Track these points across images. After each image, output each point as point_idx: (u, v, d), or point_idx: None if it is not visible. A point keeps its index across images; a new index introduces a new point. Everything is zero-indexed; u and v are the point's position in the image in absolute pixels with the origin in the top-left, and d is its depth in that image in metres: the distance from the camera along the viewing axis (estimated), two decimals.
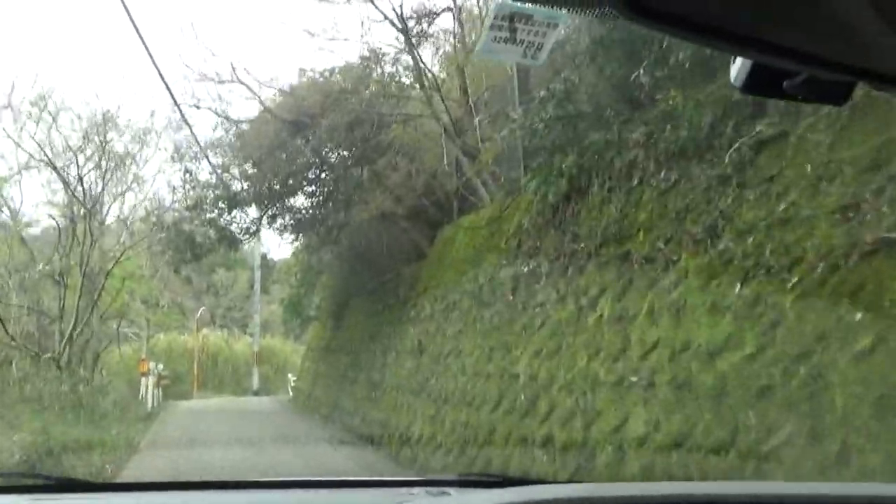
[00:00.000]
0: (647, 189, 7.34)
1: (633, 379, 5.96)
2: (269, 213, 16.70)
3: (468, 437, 8.48)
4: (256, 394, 28.38)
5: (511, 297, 9.31)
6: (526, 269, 9.20)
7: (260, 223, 17.24)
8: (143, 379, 20.00)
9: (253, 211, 17.22)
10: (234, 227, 16.83)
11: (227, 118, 16.46)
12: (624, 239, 7.34)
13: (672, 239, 6.48)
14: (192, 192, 16.61)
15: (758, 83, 0.94)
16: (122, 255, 18.48)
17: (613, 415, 6.01)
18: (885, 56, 0.81)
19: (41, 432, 9.08)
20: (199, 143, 15.61)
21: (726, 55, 0.94)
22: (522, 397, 7.74)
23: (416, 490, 2.12)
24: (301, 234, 17.33)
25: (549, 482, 2.47)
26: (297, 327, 34.70)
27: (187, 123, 16.32)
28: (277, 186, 15.78)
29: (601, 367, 6.54)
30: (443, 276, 12.65)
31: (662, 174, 7.14)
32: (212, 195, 16.42)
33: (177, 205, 16.82)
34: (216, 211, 16.55)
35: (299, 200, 16.64)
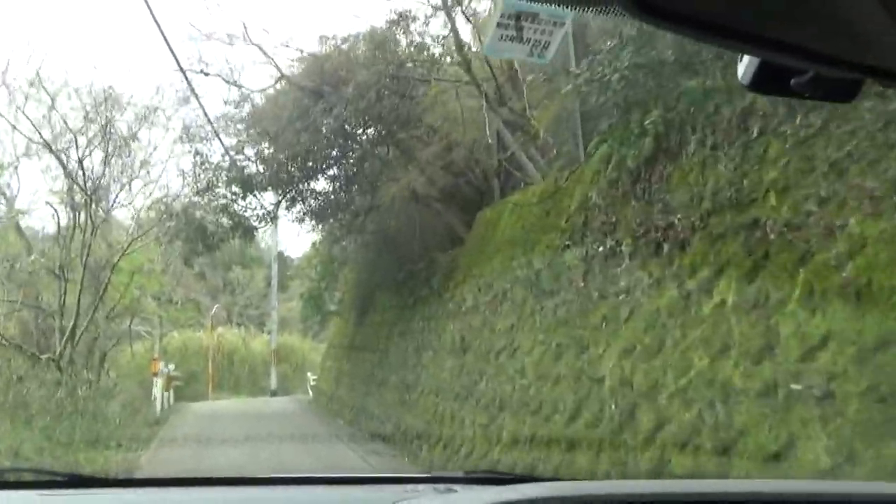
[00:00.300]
0: (774, 140, 5.70)
1: (796, 387, 4.33)
2: (287, 197, 15.16)
3: (539, 455, 6.87)
4: (274, 394, 26.93)
5: (582, 284, 7.69)
6: (600, 250, 7.58)
7: (277, 209, 15.73)
8: (155, 380, 18.56)
9: (269, 196, 15.73)
10: (248, 214, 15.33)
11: (238, 86, 14.91)
12: (746, 204, 5.70)
13: (830, 199, 4.84)
14: (202, 176, 15.09)
15: (765, 81, 0.95)
16: (128, 246, 17.00)
17: (767, 435, 4.39)
18: (893, 53, 0.81)
19: (9, 452, 7.58)
20: (208, 117, 14.10)
21: None
22: (613, 407, 6.13)
23: (422, 487, 2.07)
24: (322, 222, 15.77)
25: (560, 479, 2.32)
26: (316, 324, 33.29)
27: (194, 93, 14.79)
28: (296, 168, 14.25)
29: (734, 371, 4.91)
30: (486, 263, 11.06)
31: (799, 119, 5.50)
32: (224, 178, 14.92)
33: (187, 190, 15.29)
34: (229, 196, 15.06)
35: (320, 184, 15.12)
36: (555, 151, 11.17)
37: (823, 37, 0.77)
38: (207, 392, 25.65)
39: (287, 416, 19.13)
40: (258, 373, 29.64)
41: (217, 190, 14.90)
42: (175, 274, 26.57)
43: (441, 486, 2.03)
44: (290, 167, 14.27)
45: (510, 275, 9.78)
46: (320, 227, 16.02)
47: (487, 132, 12.02)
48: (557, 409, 6.96)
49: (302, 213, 15.40)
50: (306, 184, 14.79)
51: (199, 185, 15.07)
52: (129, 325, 21.90)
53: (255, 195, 15.12)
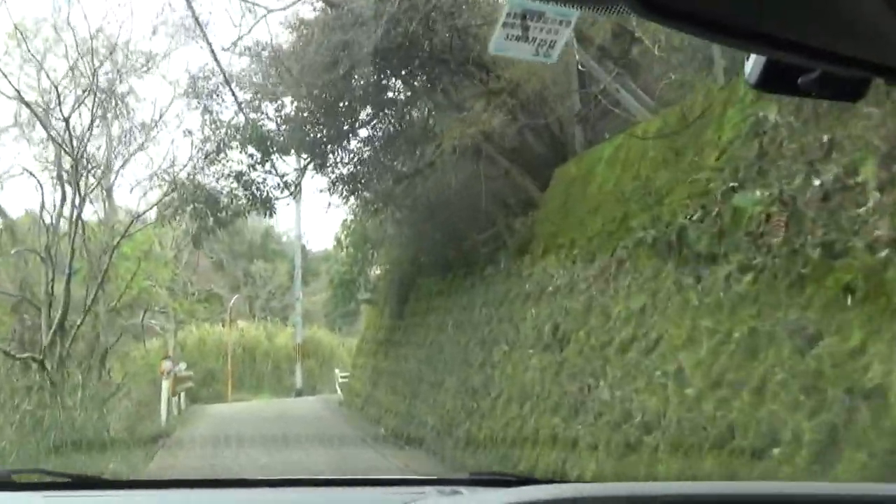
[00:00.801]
0: None
1: None
2: (314, 162, 12.53)
3: None
4: (300, 393, 24.44)
5: (779, 237, 4.94)
6: (816, 183, 4.82)
7: (301, 177, 13.13)
8: (164, 382, 16.09)
9: (292, 161, 13.13)
10: (268, 183, 12.73)
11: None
12: None
13: None
14: (212, 137, 12.52)
15: (772, 80, 0.94)
16: (130, 224, 14.51)
17: None
18: None
19: None
20: (215, 56, 11.43)
21: None
22: None
23: (427, 489, 2.09)
24: (355, 191, 13.09)
25: (565, 481, 2.21)
26: (343, 317, 30.78)
27: (198, 23, 12.12)
28: (324, 123, 11.64)
29: None
30: (579, 229, 8.36)
31: None
32: (238, 138, 12.34)
33: (195, 153, 12.72)
34: (244, 161, 12.48)
35: (353, 143, 12.46)
36: (671, 77, 8.42)
37: (830, 35, 0.77)
38: (226, 393, 23.20)
39: (317, 420, 16.57)
40: (282, 370, 27.18)
41: (230, 153, 12.32)
42: (190, 263, 24.23)
43: (446, 489, 2.02)
44: (317, 121, 11.66)
45: (626, 239, 7.07)
46: (353, 197, 13.35)
47: (569, 66, 9.28)
48: (778, 438, 4.21)
49: (331, 183, 12.74)
50: (337, 143, 12.13)
51: (208, 147, 12.49)
52: (142, 320, 19.48)
53: (275, 159, 12.53)
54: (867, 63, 0.83)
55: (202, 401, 19.91)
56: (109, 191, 16.56)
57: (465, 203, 11.58)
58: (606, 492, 1.63)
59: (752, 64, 0.94)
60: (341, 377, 26.85)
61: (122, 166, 15.51)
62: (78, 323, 13.19)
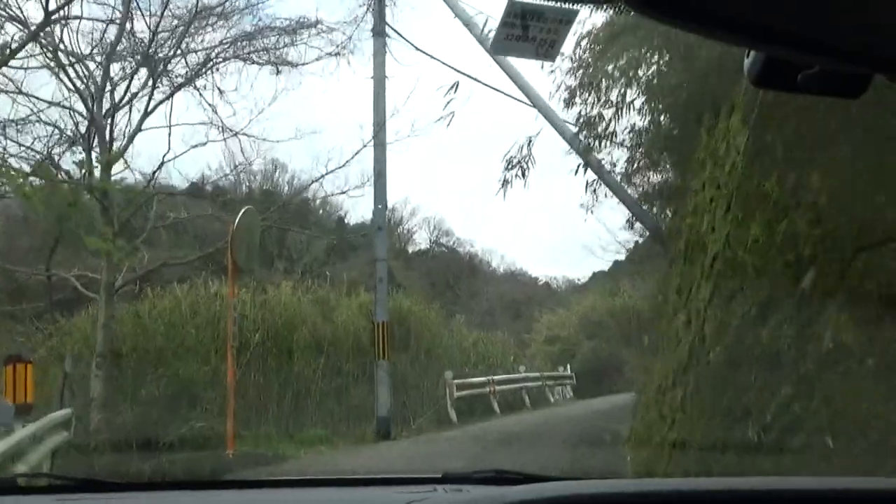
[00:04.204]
0: None
1: None
2: None
3: None
4: (386, 430, 12.10)
5: None
6: None
7: None
8: None
9: None
10: None
11: None
12: None
13: None
14: None
15: (771, 77, 0.94)
16: None
17: None
18: None
19: None
20: None
21: None
22: None
23: (432, 487, 2.05)
24: None
25: (570, 479, 1.92)
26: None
27: None
28: None
29: None
30: None
31: None
32: None
33: None
34: None
35: None
36: None
37: (831, 30, 0.76)
38: (226, 435, 10.64)
39: None
40: (344, 373, 14.83)
41: None
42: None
43: (451, 487, 2.03)
44: None
45: None
46: None
47: None
48: None
49: None
50: None
51: None
52: None
53: None
54: (868, 58, 0.81)
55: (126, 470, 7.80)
56: None
57: None
58: (612, 489, 1.57)
59: (752, 60, 0.93)
60: (458, 388, 14.82)
61: None
62: None
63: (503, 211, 65.93)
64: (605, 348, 26.51)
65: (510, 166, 12.03)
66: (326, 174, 12.86)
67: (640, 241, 35.62)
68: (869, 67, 0.86)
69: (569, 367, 23.43)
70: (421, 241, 47.83)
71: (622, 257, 49.48)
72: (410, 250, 45.14)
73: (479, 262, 54.19)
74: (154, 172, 12.66)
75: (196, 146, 13.13)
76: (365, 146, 12.78)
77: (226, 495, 2.19)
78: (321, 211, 48.43)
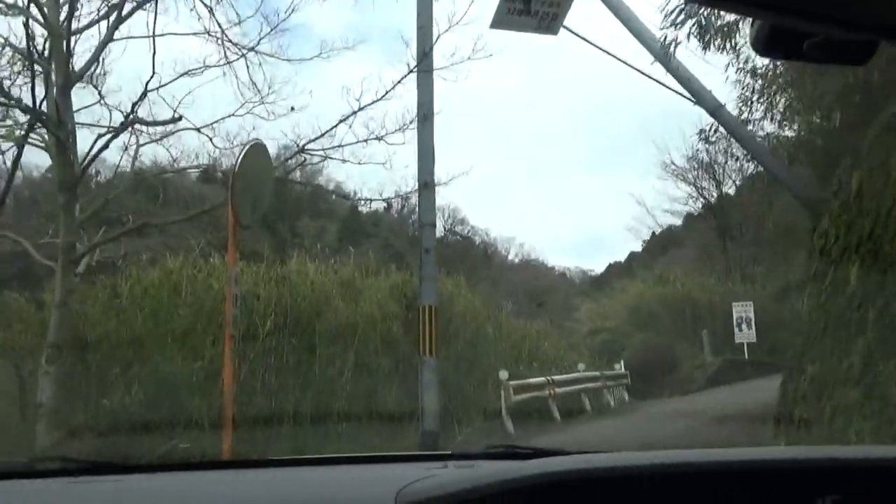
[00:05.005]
0: None
1: None
2: None
3: None
4: (433, 453, 8.78)
5: None
6: None
7: None
8: None
9: None
10: None
11: None
12: None
13: None
14: None
15: (777, 46, 0.93)
16: None
17: None
18: None
19: None
20: None
21: None
22: None
23: (441, 463, 2.03)
24: None
25: (579, 453, 1.90)
26: None
27: None
28: None
29: None
30: None
31: None
32: None
33: None
34: None
35: None
36: None
37: None
38: (222, 443, 7.55)
39: None
40: (374, 372, 11.66)
41: None
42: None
43: (462, 463, 2.04)
44: None
45: None
46: None
47: None
48: None
49: None
50: None
51: None
52: None
53: None
54: (872, 26, 0.81)
55: None
56: None
57: None
58: (620, 461, 1.57)
59: (757, 30, 0.92)
60: (515, 391, 11.98)
61: None
62: None
63: (521, 200, 63.03)
64: (658, 341, 23.32)
65: None
66: (360, 109, 9.58)
67: (676, 225, 32.30)
68: (873, 34, 0.85)
69: (622, 363, 20.21)
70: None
71: (638, 248, 47.62)
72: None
73: (495, 251, 52.36)
74: (134, 106, 9.46)
75: (191, 72, 9.93)
76: (411, 71, 9.51)
77: (240, 475, 2.15)
78: (334, 197, 46.84)
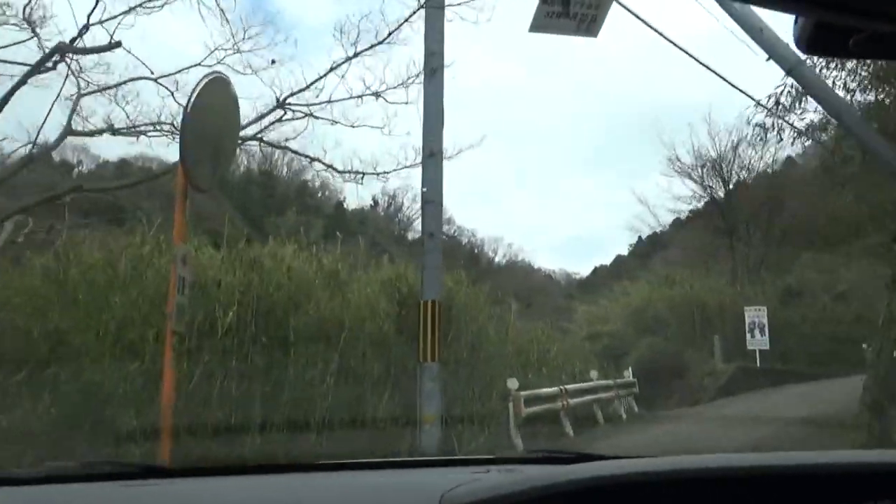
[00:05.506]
0: None
1: None
2: None
3: None
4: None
5: None
6: None
7: None
8: None
9: None
10: None
11: None
12: None
13: None
14: None
15: (821, 43, 0.91)
16: None
17: None
18: None
19: None
20: None
21: None
22: None
23: (484, 468, 2.03)
24: None
25: (621, 457, 1.78)
26: None
27: None
28: None
29: None
30: None
31: None
32: None
33: None
34: None
35: None
36: None
37: None
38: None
39: None
40: (362, 379, 9.76)
41: None
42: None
43: (504, 468, 2.03)
44: None
45: None
46: None
47: None
48: None
49: None
50: None
51: None
52: None
53: None
54: None
55: None
56: None
57: None
58: (664, 466, 1.52)
59: (801, 27, 0.89)
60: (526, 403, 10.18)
61: None
62: None
63: (509, 199, 61.49)
64: (665, 346, 21.59)
65: None
66: (356, 55, 7.62)
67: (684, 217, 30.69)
68: None
69: (630, 371, 18.43)
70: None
71: (625, 252, 46.77)
72: (410, 237, 43.19)
73: (482, 252, 51.40)
74: (73, 42, 7.46)
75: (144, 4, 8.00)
76: (421, 7, 7.61)
77: (288, 479, 2.12)
78: (320, 194, 45.73)
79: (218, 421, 7.29)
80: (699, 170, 27.28)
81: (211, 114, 6.18)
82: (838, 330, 23.72)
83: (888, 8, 0.77)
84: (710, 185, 27.44)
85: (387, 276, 12.02)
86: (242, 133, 8.24)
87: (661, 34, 8.92)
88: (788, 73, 7.64)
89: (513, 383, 10.64)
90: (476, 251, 50.38)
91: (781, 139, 10.67)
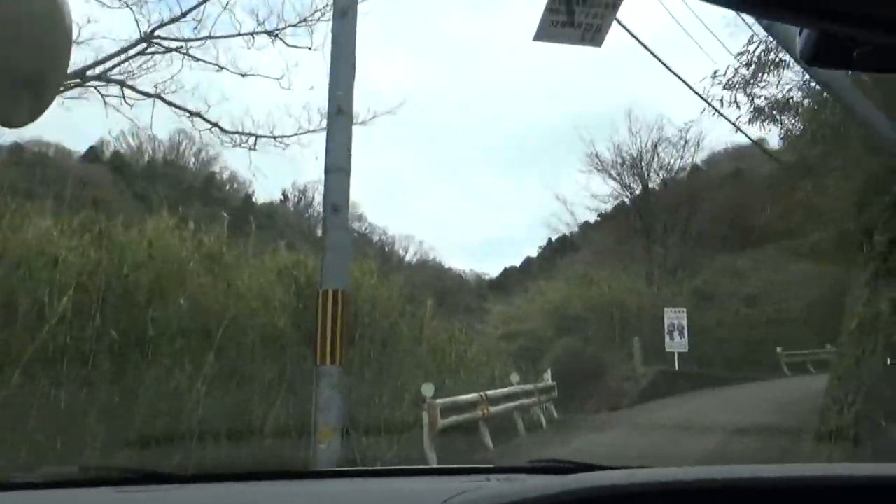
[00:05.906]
0: None
1: None
2: None
3: None
4: None
5: None
6: None
7: None
8: None
9: None
10: None
11: None
12: None
13: None
14: None
15: (826, 55, 0.86)
16: None
17: None
18: None
19: None
20: None
21: None
22: None
23: (485, 477, 2.04)
24: None
25: (623, 468, 1.75)
26: None
27: None
28: None
29: None
30: None
31: None
32: None
33: None
34: None
35: None
36: None
37: (887, 3, 0.73)
38: None
39: None
40: (249, 385, 8.12)
41: None
42: None
43: (505, 476, 2.01)
44: None
45: None
46: None
47: None
48: None
49: None
50: None
51: None
52: None
53: None
54: None
55: None
56: None
57: None
58: (665, 477, 1.51)
59: (805, 39, 0.85)
60: (443, 412, 8.60)
61: None
62: None
63: (421, 198, 60.20)
64: (584, 348, 20.66)
65: None
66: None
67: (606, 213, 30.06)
68: None
69: (549, 373, 17.30)
70: None
71: (534, 254, 46.71)
72: (319, 234, 41.30)
73: (392, 249, 50.16)
74: None
75: None
76: None
77: (284, 486, 2.15)
78: (228, 187, 43.42)
79: (44, 432, 5.48)
80: (618, 167, 26.69)
81: (25, 14, 4.42)
82: (752, 333, 23.54)
83: (893, 19, 0.73)
84: (629, 183, 26.92)
85: (284, 264, 10.35)
86: (96, 71, 6.42)
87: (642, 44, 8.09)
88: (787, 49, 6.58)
89: (428, 389, 9.15)
90: (386, 249, 49.02)
91: (739, 112, 9.76)
